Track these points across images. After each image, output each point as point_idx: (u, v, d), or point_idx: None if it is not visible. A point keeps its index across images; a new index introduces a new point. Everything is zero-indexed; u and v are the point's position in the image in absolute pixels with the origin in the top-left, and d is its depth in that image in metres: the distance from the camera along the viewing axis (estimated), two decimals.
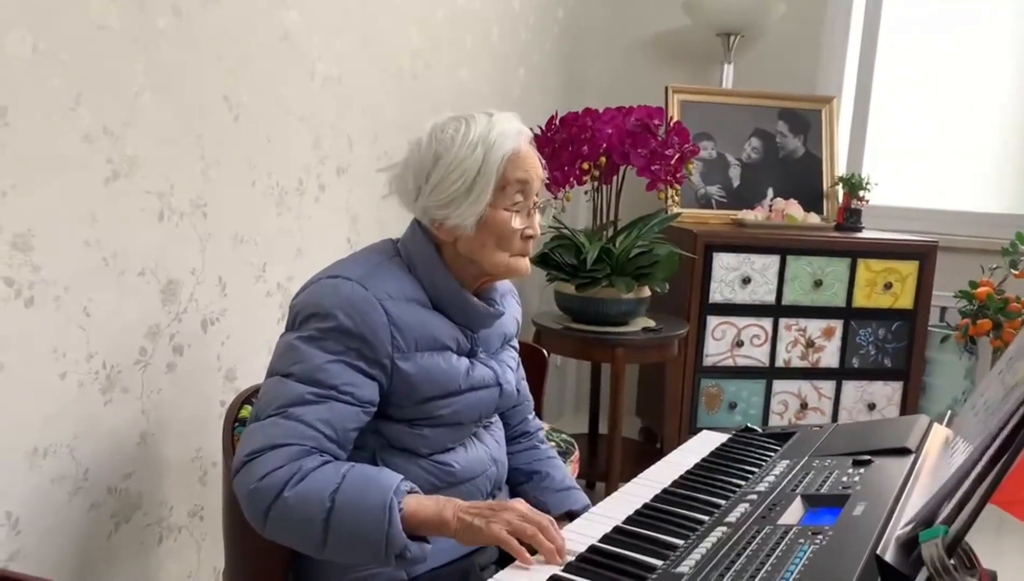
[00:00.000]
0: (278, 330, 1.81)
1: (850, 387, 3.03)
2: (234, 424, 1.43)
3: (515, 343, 1.51)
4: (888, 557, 0.86)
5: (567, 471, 1.56)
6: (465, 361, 1.34)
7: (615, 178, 2.63)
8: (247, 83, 1.66)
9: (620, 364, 2.52)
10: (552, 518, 1.14)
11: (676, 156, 2.55)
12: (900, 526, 0.95)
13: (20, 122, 1.22)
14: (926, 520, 0.88)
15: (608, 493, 2.54)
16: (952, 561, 0.80)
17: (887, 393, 3.03)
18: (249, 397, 1.47)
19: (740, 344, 2.95)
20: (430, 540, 1.18)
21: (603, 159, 2.49)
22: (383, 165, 2.13)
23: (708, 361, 2.93)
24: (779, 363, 2.98)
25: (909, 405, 3.03)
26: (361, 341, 1.23)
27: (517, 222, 1.31)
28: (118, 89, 1.37)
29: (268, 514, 1.15)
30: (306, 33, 1.81)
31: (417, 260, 1.34)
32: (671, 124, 2.64)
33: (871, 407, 3.03)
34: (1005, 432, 0.85)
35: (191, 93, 1.53)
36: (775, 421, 2.99)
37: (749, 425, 1.61)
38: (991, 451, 0.85)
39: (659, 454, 3.00)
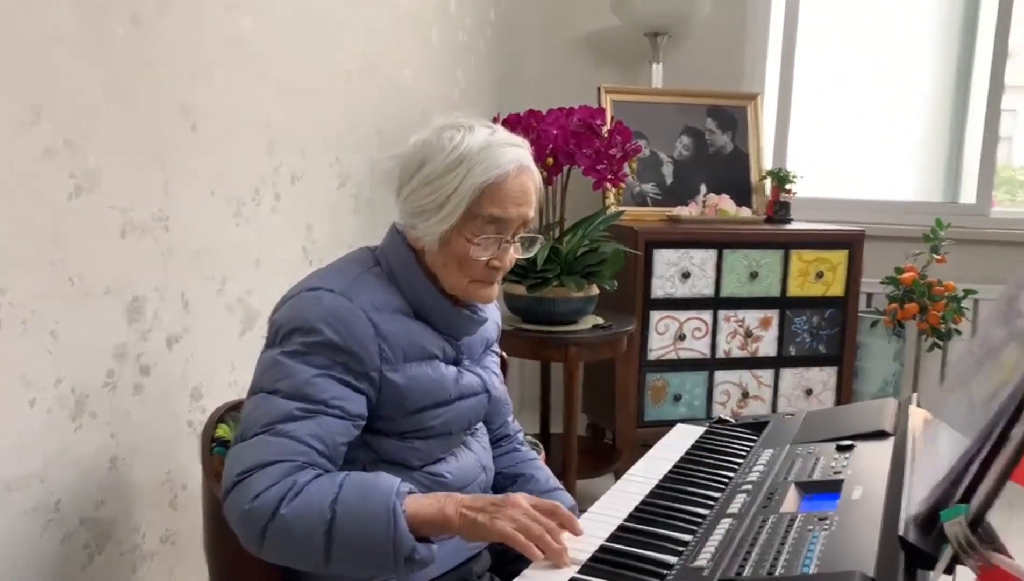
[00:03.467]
0: (240, 345, 1.77)
1: (788, 374, 3.13)
2: (211, 444, 1.39)
3: (496, 348, 1.50)
4: (910, 538, 0.90)
5: (550, 472, 1.56)
6: (453, 369, 1.33)
7: (558, 178, 2.65)
8: (203, 91, 1.61)
9: (574, 362, 2.54)
10: (557, 506, 1.14)
11: (619, 155, 2.59)
12: (910, 507, 0.99)
13: None
14: (939, 500, 0.92)
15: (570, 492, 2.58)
16: (974, 537, 0.84)
17: (823, 378, 3.14)
18: (223, 415, 1.43)
19: (682, 337, 3.01)
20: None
21: (549, 160, 2.51)
22: (330, 164, 2.10)
23: (652, 355, 2.99)
24: (720, 354, 3.06)
25: (843, 389, 3.15)
26: (348, 355, 1.21)
27: (481, 254, 1.26)
28: (79, 101, 1.31)
29: (265, 534, 1.11)
30: (258, 40, 1.77)
31: (397, 269, 1.31)
32: (613, 124, 2.68)
33: (808, 393, 3.14)
34: (1007, 416, 0.89)
35: (150, 102, 1.47)
36: (718, 411, 3.06)
37: (722, 416, 1.65)
38: (998, 430, 0.89)
39: (611, 450, 3.06)
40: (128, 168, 1.43)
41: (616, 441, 3.03)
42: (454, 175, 1.23)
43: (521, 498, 1.15)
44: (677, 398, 3.03)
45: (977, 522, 0.84)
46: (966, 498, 0.87)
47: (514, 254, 1.31)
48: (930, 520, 0.91)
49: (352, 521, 1.10)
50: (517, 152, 1.27)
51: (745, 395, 3.10)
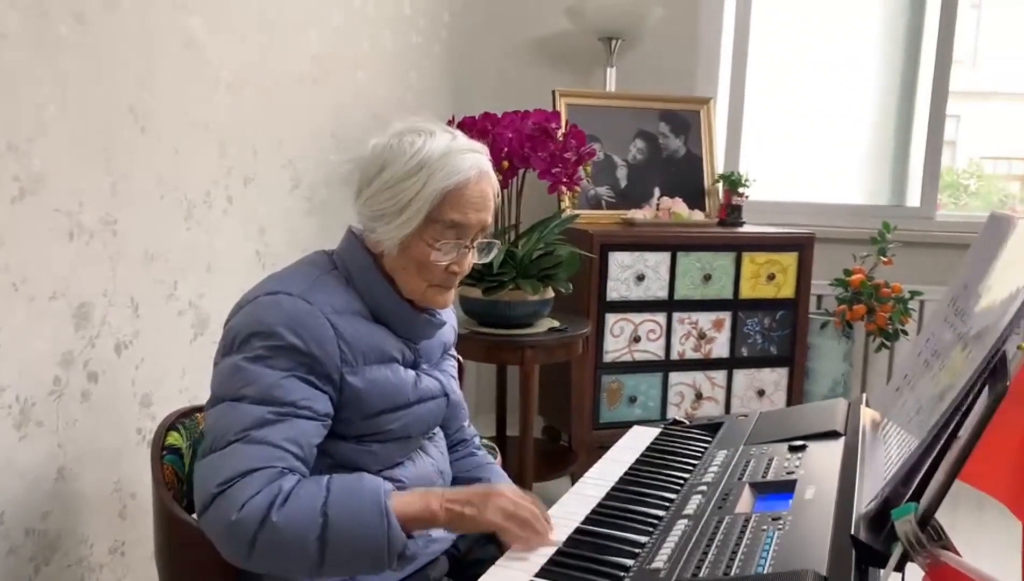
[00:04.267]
0: (191, 350, 1.74)
1: (740, 375, 3.16)
2: (162, 453, 1.36)
3: (453, 351, 1.50)
4: (862, 536, 0.91)
5: (506, 476, 1.56)
6: (412, 373, 1.33)
7: (513, 181, 2.65)
8: (152, 92, 1.58)
9: (530, 365, 2.55)
10: (539, 501, 1.17)
11: (574, 159, 2.60)
12: (861, 506, 1.00)
13: None
14: (889, 499, 0.93)
15: None
16: (923, 535, 0.86)
17: (775, 379, 3.19)
18: (174, 423, 1.40)
19: (637, 339, 3.03)
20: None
21: (505, 163, 2.51)
22: (283, 166, 2.08)
23: (608, 357, 3.00)
24: (674, 356, 3.08)
25: (795, 389, 3.20)
26: (310, 357, 1.19)
27: (441, 258, 1.27)
28: (22, 102, 1.28)
29: (255, 544, 1.08)
30: (210, 40, 1.74)
31: (355, 272, 1.30)
32: (568, 127, 2.69)
33: (760, 393, 3.18)
34: (956, 417, 0.92)
35: (97, 104, 1.44)
36: (672, 412, 3.09)
37: (677, 417, 1.66)
38: (947, 432, 0.91)
39: (567, 452, 3.07)
40: (75, 170, 1.40)
41: (572, 443, 3.04)
42: (415, 180, 1.23)
43: (505, 488, 1.18)
44: (632, 400, 3.05)
45: (926, 520, 0.86)
46: (915, 497, 0.89)
47: (472, 259, 1.32)
48: (881, 518, 0.93)
49: (345, 524, 1.10)
50: (477, 158, 1.27)
51: (699, 396, 3.13)
